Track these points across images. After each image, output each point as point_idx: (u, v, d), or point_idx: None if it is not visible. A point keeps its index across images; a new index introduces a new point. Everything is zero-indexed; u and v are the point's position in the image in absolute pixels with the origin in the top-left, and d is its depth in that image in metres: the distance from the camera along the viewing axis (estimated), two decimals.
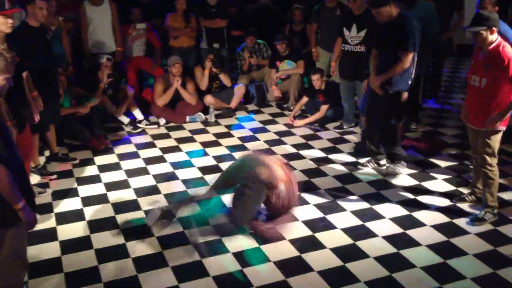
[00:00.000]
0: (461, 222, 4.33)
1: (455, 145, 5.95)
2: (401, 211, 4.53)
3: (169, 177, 5.26)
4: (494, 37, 4.00)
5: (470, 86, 4.25)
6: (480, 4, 5.24)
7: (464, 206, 4.57)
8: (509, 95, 4.01)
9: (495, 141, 4.18)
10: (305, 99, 6.88)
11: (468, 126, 4.36)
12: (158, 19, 7.67)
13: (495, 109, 4.06)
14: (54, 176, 5.21)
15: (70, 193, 4.93)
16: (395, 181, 5.08)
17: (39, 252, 3.96)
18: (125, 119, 6.62)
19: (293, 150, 5.91)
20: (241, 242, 4.07)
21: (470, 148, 4.59)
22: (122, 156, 5.79)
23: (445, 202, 4.66)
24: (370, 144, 5.32)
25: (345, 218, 4.42)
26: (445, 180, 5.09)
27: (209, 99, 7.08)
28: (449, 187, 4.95)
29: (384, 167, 5.30)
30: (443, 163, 5.45)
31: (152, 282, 3.62)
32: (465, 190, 4.83)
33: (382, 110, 5.02)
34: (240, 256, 3.89)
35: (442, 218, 4.40)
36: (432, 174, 5.21)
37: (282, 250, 3.98)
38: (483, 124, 4.14)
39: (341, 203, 4.68)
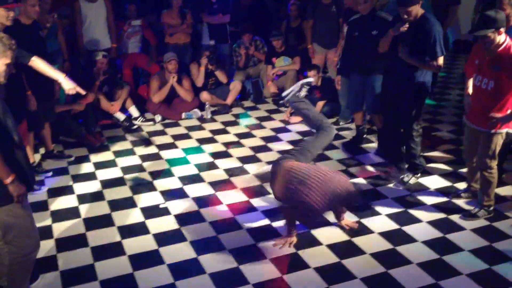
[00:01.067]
0: (457, 218, 4.33)
1: (451, 141, 5.95)
2: (397, 207, 4.54)
3: (165, 174, 5.25)
4: (502, 38, 3.86)
5: (474, 86, 4.15)
6: (498, 4, 4.98)
7: (460, 202, 4.58)
8: None
9: (497, 143, 4.11)
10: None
11: (469, 126, 4.29)
12: (154, 16, 7.64)
13: (500, 111, 3.98)
14: (50, 174, 5.20)
15: (66, 190, 4.92)
16: (392, 178, 5.08)
17: None
18: (121, 116, 6.60)
19: (289, 147, 5.89)
20: (239, 240, 4.07)
21: (464, 148, 4.53)
22: (118, 153, 5.77)
23: (441, 198, 4.67)
24: (394, 147, 5.11)
25: None
26: (441, 176, 5.10)
27: (205, 96, 7.07)
28: (445, 183, 4.96)
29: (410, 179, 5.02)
30: (439, 159, 5.46)
31: (148, 279, 3.61)
32: (461, 186, 4.83)
33: (409, 107, 4.76)
34: (237, 253, 3.89)
35: (438, 214, 4.41)
36: (428, 170, 5.21)
37: (278, 247, 3.97)
38: (487, 126, 4.05)
39: None
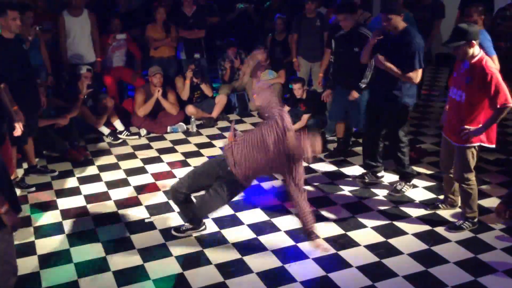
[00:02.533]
0: (442, 230, 4.36)
1: (435, 153, 6.00)
2: (382, 220, 4.55)
3: (150, 188, 5.21)
4: (475, 51, 3.92)
5: (449, 98, 4.24)
6: (468, 14, 5.20)
7: (445, 214, 4.61)
8: (487, 112, 3.99)
9: (471, 156, 4.15)
10: (286, 108, 6.90)
11: (444, 138, 4.35)
12: (138, 30, 7.63)
13: (472, 123, 4.02)
14: (33, 189, 5.13)
15: (49, 206, 4.85)
16: (376, 190, 5.11)
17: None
18: (105, 130, 6.55)
19: None
20: (223, 254, 4.04)
21: (440, 159, 4.56)
22: (102, 168, 5.72)
23: (426, 211, 4.70)
24: (367, 156, 5.25)
25: (327, 228, 4.42)
26: (426, 188, 5.13)
27: (190, 109, 7.06)
28: (430, 195, 4.99)
29: (383, 179, 5.25)
30: (423, 171, 5.50)
31: None
32: (442, 197, 4.88)
33: (393, 124, 4.87)
34: (221, 267, 3.86)
35: (423, 227, 4.43)
36: (412, 182, 5.25)
37: (264, 260, 3.96)
38: (459, 139, 4.11)
39: (323, 213, 4.68)
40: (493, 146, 4.18)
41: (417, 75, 4.60)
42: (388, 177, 5.35)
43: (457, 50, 3.96)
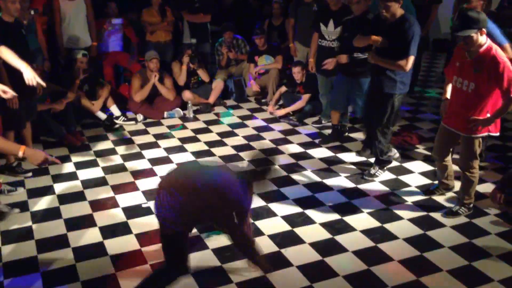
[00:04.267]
0: (437, 215, 4.40)
1: (431, 138, 6.00)
2: (378, 205, 4.58)
3: (147, 173, 5.22)
4: (483, 39, 3.82)
5: (454, 89, 4.15)
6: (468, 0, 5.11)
7: (440, 199, 4.65)
8: (498, 101, 3.93)
9: (477, 145, 4.14)
10: (283, 88, 6.93)
11: (445, 128, 4.30)
12: (135, 14, 7.58)
13: (480, 114, 3.98)
14: (30, 174, 5.13)
15: (46, 191, 4.86)
16: (374, 176, 5.12)
17: (15, 251, 3.90)
18: (102, 115, 6.54)
19: (272, 145, 5.92)
20: (219, 239, 4.07)
21: (434, 146, 4.52)
22: (99, 153, 5.72)
23: (421, 196, 4.73)
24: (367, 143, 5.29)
25: (324, 213, 4.45)
26: (422, 174, 5.16)
27: (187, 95, 7.04)
28: (426, 181, 5.02)
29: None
30: (420, 157, 5.53)
31: (130, 280, 3.59)
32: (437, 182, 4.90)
33: (380, 112, 4.86)
34: (219, 252, 3.89)
35: (418, 212, 4.46)
36: (409, 168, 5.28)
37: (261, 245, 3.97)
38: (468, 130, 4.07)
39: (320, 198, 4.71)
40: (498, 134, 4.17)
41: (407, 63, 4.56)
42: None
43: (466, 39, 3.81)
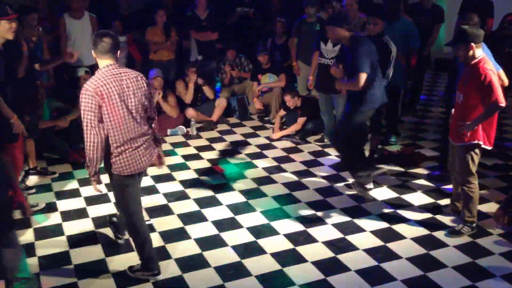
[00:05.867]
0: (440, 235, 4.38)
1: (434, 157, 6.03)
2: (381, 224, 4.57)
3: (150, 191, 5.23)
4: (477, 53, 4.00)
5: (455, 102, 4.32)
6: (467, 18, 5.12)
7: (444, 219, 4.63)
8: (480, 109, 4.05)
9: (470, 158, 4.19)
10: (282, 112, 6.96)
11: (450, 142, 4.40)
12: (139, 32, 7.66)
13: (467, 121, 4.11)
14: (33, 190, 5.14)
15: (49, 207, 4.86)
16: (376, 194, 5.12)
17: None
18: None
19: (274, 163, 5.92)
20: (222, 257, 4.06)
21: (449, 162, 4.60)
22: (102, 170, 5.70)
23: (424, 215, 4.72)
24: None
25: (326, 231, 4.44)
26: (424, 192, 5.15)
27: (190, 112, 7.08)
28: (429, 200, 5.01)
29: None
30: (422, 176, 5.52)
31: None
32: (443, 203, 4.89)
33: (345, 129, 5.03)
34: (220, 270, 3.87)
35: (421, 231, 4.45)
36: (411, 187, 5.28)
37: (263, 263, 3.97)
38: (458, 138, 4.19)
39: (322, 216, 4.70)
40: (490, 148, 4.22)
41: (358, 80, 4.66)
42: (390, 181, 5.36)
43: (457, 51, 4.08)
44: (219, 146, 6.50)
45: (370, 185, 5.18)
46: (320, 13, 7.21)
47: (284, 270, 3.88)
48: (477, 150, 4.19)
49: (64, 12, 6.71)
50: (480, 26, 5.24)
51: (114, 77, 3.42)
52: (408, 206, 4.90)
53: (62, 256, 4.06)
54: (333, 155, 6.14)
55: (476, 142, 4.14)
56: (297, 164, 5.92)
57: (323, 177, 5.54)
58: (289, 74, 7.58)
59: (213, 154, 6.20)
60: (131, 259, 4.01)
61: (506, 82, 4.60)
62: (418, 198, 5.05)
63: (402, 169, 5.68)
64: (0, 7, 4.07)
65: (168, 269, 3.89)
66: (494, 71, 4.02)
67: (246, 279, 3.77)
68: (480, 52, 4.03)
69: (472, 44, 3.97)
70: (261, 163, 5.94)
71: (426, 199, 5.02)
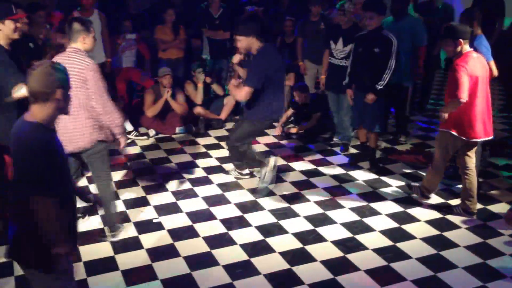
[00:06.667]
0: (451, 234, 4.35)
1: None
2: (391, 223, 4.55)
3: (159, 188, 5.23)
4: (464, 49, 4.21)
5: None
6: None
7: (454, 219, 4.60)
8: (466, 104, 4.24)
9: (445, 142, 4.48)
10: (290, 111, 6.94)
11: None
12: (148, 31, 7.66)
13: (452, 114, 4.32)
14: None
15: None
16: (385, 194, 5.10)
17: None
18: (128, 126, 6.60)
19: (283, 162, 5.91)
20: (231, 255, 4.05)
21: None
22: (111, 168, 5.72)
23: (434, 215, 4.69)
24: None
25: (335, 231, 4.42)
26: (435, 192, 5.11)
27: (199, 110, 7.07)
28: (438, 200, 4.97)
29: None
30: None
31: None
32: (454, 202, 4.86)
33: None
34: (230, 269, 3.87)
35: (431, 231, 4.42)
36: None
37: (272, 262, 3.96)
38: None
39: (332, 215, 4.68)
40: (465, 138, 4.38)
41: (241, 93, 4.72)
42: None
43: (445, 47, 4.32)
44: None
45: (246, 171, 5.47)
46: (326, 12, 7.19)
47: (292, 269, 3.87)
48: (450, 138, 4.42)
49: (73, 10, 6.72)
50: (492, 25, 5.26)
51: None
52: (418, 205, 4.86)
53: None
54: (342, 154, 6.12)
55: (445, 130, 4.42)
56: (305, 163, 5.90)
57: (332, 176, 5.52)
58: (298, 73, 7.55)
59: (221, 153, 6.19)
60: (139, 256, 4.02)
61: (494, 73, 4.78)
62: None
63: (411, 170, 5.65)
64: (4, 7, 4.08)
65: (177, 267, 3.89)
66: (467, 68, 4.15)
67: (254, 278, 3.76)
68: (468, 48, 4.22)
69: (461, 40, 4.16)
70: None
71: (436, 199, 4.98)
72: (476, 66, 4.21)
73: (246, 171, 5.49)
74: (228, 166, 5.66)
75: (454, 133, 4.39)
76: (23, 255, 2.58)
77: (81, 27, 3.93)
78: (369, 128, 5.57)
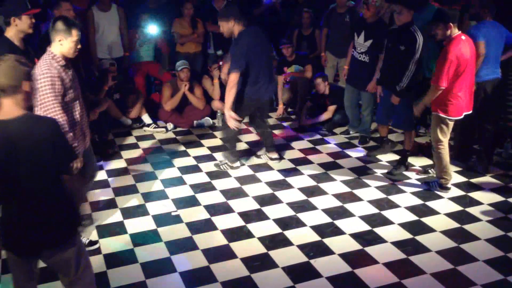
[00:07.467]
0: (471, 227, 4.30)
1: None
2: (410, 216, 4.51)
3: (177, 181, 5.26)
4: (453, 33, 4.41)
5: None
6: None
7: (474, 211, 4.54)
8: (456, 85, 4.49)
9: (437, 126, 4.69)
10: (309, 103, 6.91)
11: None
12: (166, 25, 7.68)
13: (446, 95, 4.55)
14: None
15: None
16: (404, 187, 5.06)
17: None
18: (127, 121, 6.71)
19: (301, 155, 5.89)
20: (248, 248, 4.06)
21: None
22: (130, 161, 5.79)
23: (454, 207, 4.64)
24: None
25: (353, 223, 4.40)
26: (454, 184, 5.06)
27: (216, 104, 7.08)
28: (458, 192, 4.92)
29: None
30: (452, 168, 5.40)
31: (160, 287, 3.61)
32: (474, 196, 4.79)
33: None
34: (248, 262, 3.88)
35: (451, 224, 4.37)
36: None
37: (290, 255, 3.96)
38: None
39: (350, 208, 4.66)
40: (452, 117, 4.62)
41: (229, 79, 4.89)
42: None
43: (435, 30, 4.48)
44: (245, 137, 6.50)
45: (237, 164, 5.52)
46: (348, 3, 7.10)
47: (310, 262, 3.87)
48: (445, 121, 4.63)
49: (92, 4, 6.78)
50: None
51: None
52: (437, 198, 4.81)
53: (91, 246, 4.11)
54: (360, 147, 6.08)
55: (436, 113, 4.66)
56: (323, 155, 5.88)
57: (350, 169, 5.49)
58: (315, 66, 7.51)
59: (239, 145, 6.20)
60: (158, 249, 4.05)
61: (480, 52, 4.90)
62: (448, 190, 4.96)
63: (430, 162, 5.59)
64: (20, 2, 4.11)
65: (195, 260, 3.91)
66: (458, 55, 4.36)
67: (272, 271, 3.77)
68: (457, 31, 4.43)
69: (451, 23, 4.37)
70: (287, 154, 5.92)
71: (455, 192, 4.92)
72: (466, 49, 4.44)
73: (276, 155, 5.66)
74: (261, 151, 5.86)
75: (441, 115, 4.62)
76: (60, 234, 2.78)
77: (62, 27, 3.47)
78: (402, 128, 5.52)
